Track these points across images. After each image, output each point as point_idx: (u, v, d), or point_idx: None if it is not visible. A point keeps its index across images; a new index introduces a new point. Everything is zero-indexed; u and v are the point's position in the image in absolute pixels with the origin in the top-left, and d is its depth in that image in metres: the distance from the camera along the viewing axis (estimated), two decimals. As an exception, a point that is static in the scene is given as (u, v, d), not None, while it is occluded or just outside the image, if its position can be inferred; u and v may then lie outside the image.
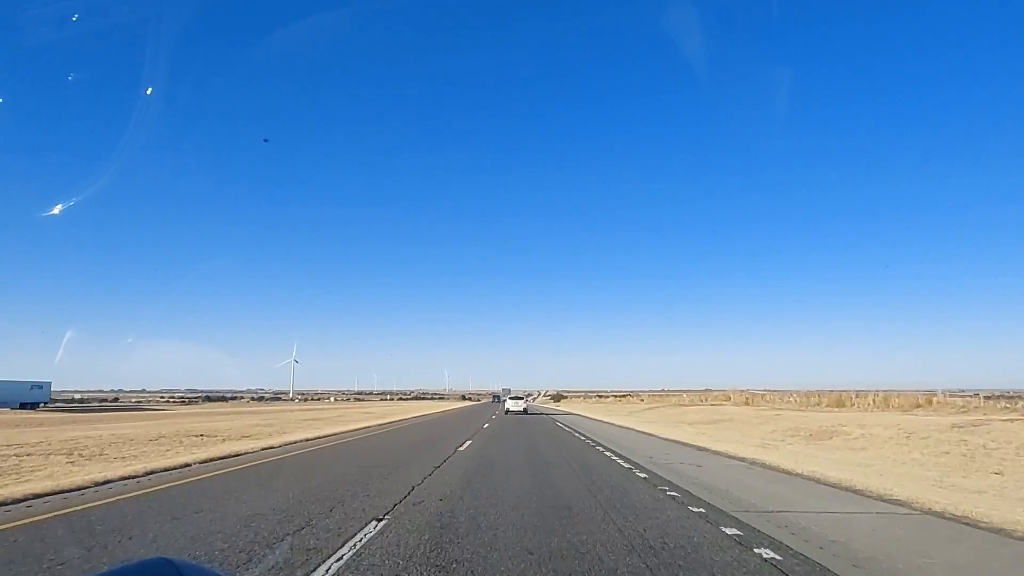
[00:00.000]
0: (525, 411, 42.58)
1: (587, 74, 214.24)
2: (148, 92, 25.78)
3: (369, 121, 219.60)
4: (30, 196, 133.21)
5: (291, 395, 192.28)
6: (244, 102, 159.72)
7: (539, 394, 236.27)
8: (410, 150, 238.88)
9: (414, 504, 7.71)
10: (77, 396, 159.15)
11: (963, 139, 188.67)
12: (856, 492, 9.21)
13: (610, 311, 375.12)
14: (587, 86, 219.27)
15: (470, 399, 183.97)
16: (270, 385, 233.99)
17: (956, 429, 16.81)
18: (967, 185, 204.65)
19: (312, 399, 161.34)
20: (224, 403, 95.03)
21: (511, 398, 46.63)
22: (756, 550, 5.50)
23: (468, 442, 18.52)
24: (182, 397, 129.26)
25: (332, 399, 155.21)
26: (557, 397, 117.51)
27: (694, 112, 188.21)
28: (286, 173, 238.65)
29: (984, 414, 21.42)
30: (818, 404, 34.70)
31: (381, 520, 6.70)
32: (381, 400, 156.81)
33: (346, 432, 23.68)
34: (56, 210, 25.27)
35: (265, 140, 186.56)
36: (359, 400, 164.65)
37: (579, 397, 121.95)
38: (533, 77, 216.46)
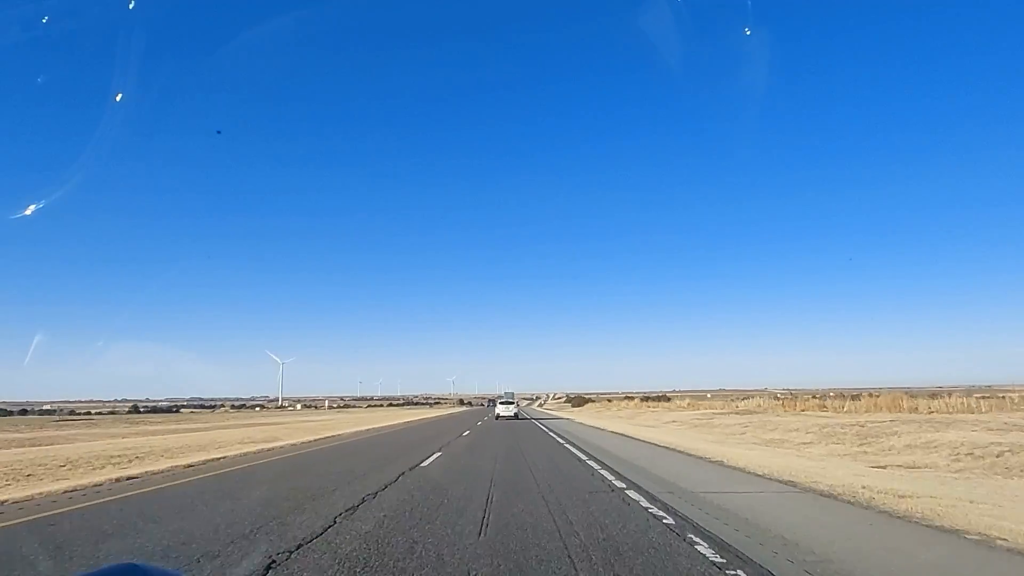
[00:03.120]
0: (516, 416, 41.75)
1: (589, 80, 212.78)
2: (118, 98, 21.87)
3: (363, 129, 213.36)
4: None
5: (279, 402, 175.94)
6: (221, 108, 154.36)
7: (547, 397, 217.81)
8: (400, 157, 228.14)
9: None
10: (47, 406, 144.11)
11: (950, 139, 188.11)
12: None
13: (618, 312, 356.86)
14: (585, 92, 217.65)
15: (469, 404, 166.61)
16: (272, 392, 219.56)
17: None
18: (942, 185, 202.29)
19: (281, 408, 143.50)
20: (157, 415, 77.19)
21: (502, 402, 44.38)
22: None
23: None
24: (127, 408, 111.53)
25: (299, 406, 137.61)
26: (578, 401, 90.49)
27: (692, 116, 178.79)
28: (282, 183, 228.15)
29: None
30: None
31: None
32: (369, 407, 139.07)
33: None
34: (29, 211, 15.78)
35: (218, 132, 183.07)
36: (347, 407, 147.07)
37: (610, 399, 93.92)
38: (525, 83, 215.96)
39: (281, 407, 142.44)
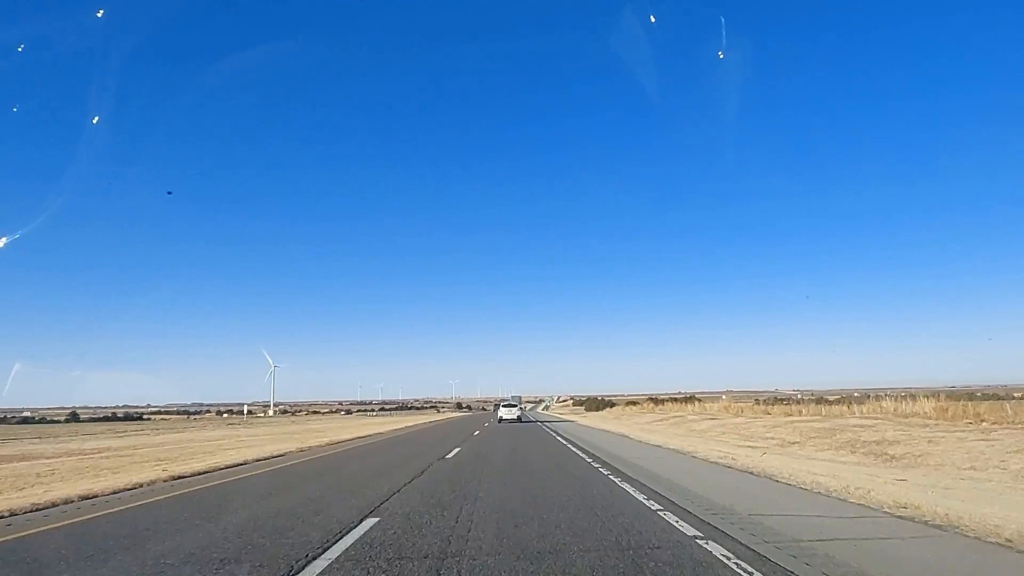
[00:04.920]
0: (519, 419, 40.09)
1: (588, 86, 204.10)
2: (95, 121, 25.62)
3: (360, 133, 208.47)
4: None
5: (271, 407, 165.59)
6: (203, 123, 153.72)
7: (552, 400, 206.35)
8: (401, 160, 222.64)
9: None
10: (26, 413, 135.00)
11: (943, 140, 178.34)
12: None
13: (622, 315, 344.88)
14: (588, 96, 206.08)
15: (468, 408, 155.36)
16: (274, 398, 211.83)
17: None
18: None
19: (263, 414, 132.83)
20: (127, 423, 66.50)
21: (504, 405, 42.89)
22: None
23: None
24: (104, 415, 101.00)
25: (271, 412, 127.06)
26: (591, 404, 77.15)
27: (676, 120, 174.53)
28: (281, 188, 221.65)
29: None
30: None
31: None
32: (359, 411, 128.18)
33: None
34: (0, 243, 16.63)
35: (169, 192, 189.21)
36: (336, 413, 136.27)
37: (645, 403, 66.05)
38: (526, 87, 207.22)
39: (266, 413, 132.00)
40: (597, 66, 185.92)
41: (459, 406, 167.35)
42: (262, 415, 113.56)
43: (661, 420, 35.18)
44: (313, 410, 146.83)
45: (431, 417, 72.39)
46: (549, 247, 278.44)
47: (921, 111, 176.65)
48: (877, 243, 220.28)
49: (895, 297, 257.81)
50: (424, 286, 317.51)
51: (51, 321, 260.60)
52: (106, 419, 76.01)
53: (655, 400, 55.57)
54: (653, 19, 58.87)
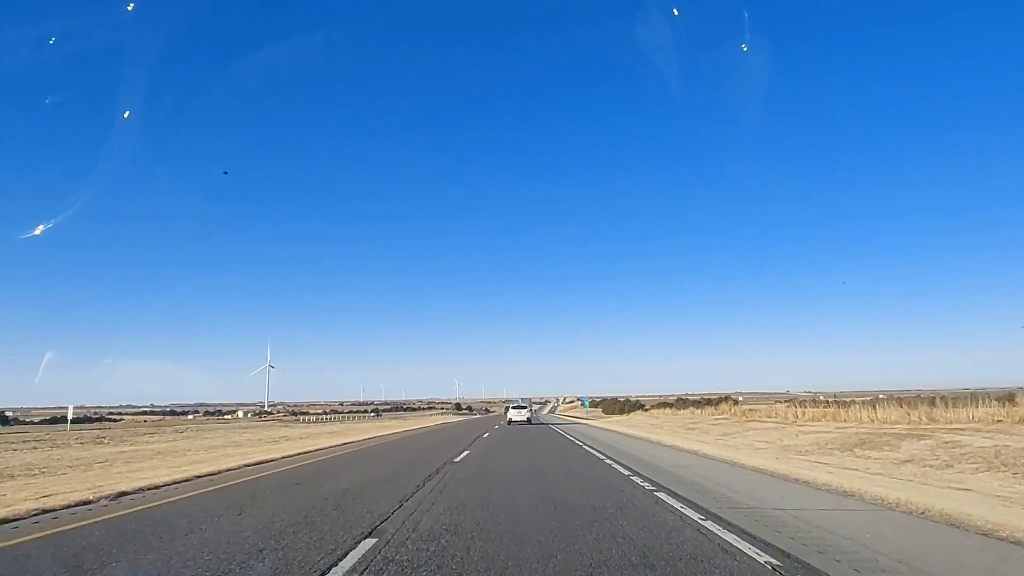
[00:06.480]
0: (528, 420, 39.19)
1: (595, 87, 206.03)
2: (125, 115, 22.20)
3: (365, 133, 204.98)
4: (4, 219, 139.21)
5: (266, 408, 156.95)
6: (225, 120, 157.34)
7: (558, 401, 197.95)
8: (407, 160, 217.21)
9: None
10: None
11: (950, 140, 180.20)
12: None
13: (627, 316, 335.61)
14: (594, 96, 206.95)
15: (469, 409, 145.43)
16: (281, 398, 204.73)
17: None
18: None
19: (261, 414, 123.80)
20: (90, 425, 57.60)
21: (514, 407, 42.56)
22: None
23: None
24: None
25: (241, 413, 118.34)
26: (620, 406, 64.06)
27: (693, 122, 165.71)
28: (283, 190, 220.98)
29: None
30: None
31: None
32: (352, 412, 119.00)
33: None
34: (38, 231, 19.33)
35: (225, 173, 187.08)
36: (330, 415, 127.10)
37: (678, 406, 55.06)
38: (533, 88, 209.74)
39: (263, 413, 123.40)
40: (619, 62, 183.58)
41: (457, 407, 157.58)
42: (230, 416, 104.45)
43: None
44: (300, 411, 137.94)
45: (419, 423, 62.41)
46: (553, 248, 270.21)
47: (933, 113, 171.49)
48: (883, 243, 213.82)
49: (904, 298, 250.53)
50: (426, 287, 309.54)
51: (60, 326, 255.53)
52: (56, 420, 67.25)
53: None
54: (676, 12, 59.25)
